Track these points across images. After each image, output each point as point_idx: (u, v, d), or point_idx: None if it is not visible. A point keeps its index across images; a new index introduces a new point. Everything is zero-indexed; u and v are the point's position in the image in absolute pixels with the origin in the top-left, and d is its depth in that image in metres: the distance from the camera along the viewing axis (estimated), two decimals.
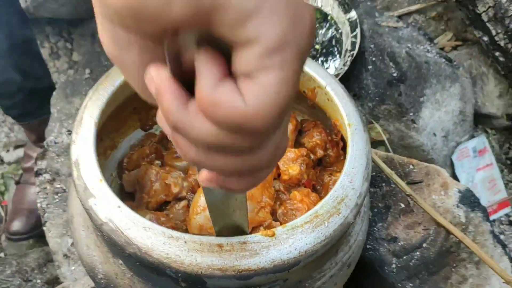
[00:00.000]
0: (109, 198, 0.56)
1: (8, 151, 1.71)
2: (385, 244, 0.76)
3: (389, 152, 0.93)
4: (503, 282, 0.73)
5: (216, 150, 0.27)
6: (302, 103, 0.78)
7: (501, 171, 1.25)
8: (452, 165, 1.15)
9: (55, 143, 1.22)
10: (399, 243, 0.76)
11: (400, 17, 1.34)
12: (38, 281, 1.20)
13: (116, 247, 0.55)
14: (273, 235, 0.54)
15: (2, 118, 1.75)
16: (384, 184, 0.82)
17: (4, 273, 1.19)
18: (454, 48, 1.30)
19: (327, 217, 0.56)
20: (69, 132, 1.26)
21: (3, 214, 1.51)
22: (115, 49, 0.29)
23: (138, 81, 0.30)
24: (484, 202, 1.20)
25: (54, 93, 1.20)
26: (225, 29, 0.24)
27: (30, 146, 1.44)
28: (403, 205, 0.79)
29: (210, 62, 0.25)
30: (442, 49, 1.29)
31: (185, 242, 0.53)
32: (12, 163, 1.67)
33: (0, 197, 1.56)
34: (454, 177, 1.16)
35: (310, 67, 0.69)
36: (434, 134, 1.07)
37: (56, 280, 1.18)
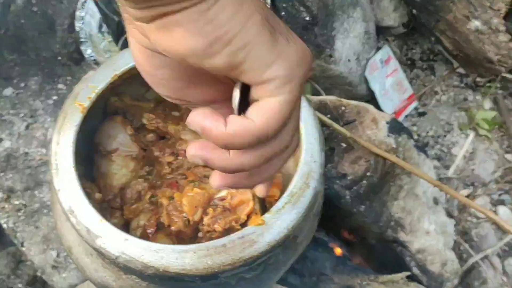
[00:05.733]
0: (115, 235, 0.62)
1: None
2: (338, 181, 0.91)
3: (320, 92, 1.04)
4: (428, 186, 0.91)
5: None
6: None
7: (404, 71, 1.42)
8: (366, 80, 1.29)
9: None
10: (348, 178, 0.90)
11: None
12: (19, 285, 1.24)
13: (134, 271, 0.63)
14: (263, 223, 0.64)
15: None
16: (324, 128, 0.94)
17: None
18: None
19: (301, 192, 0.67)
20: None
21: None
22: (150, 66, 0.38)
23: (168, 90, 0.40)
24: (396, 103, 1.39)
25: None
26: (250, 75, 0.33)
27: None
28: (344, 145, 0.92)
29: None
30: None
31: (194, 252, 0.62)
32: None
33: None
34: (369, 90, 1.31)
35: None
36: (349, 60, 1.19)
37: (35, 279, 1.22)
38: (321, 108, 0.96)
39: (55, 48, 1.27)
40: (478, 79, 1.34)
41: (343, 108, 0.95)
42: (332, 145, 0.93)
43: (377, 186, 0.92)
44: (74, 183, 0.63)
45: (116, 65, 0.72)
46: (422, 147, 0.99)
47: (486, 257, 1.26)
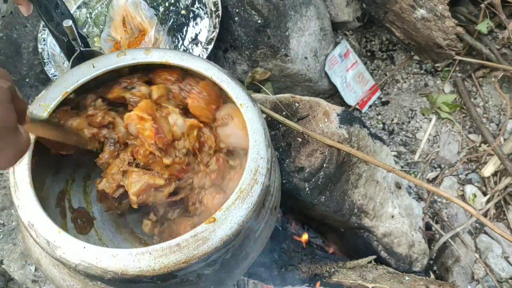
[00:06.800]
0: (73, 244, 0.65)
1: None
2: (296, 175, 0.94)
3: (272, 93, 1.08)
4: (387, 172, 0.94)
5: None
6: None
7: (365, 63, 1.46)
8: (327, 75, 1.33)
9: None
10: (306, 170, 0.94)
11: None
12: None
13: (95, 276, 0.66)
14: (214, 220, 0.68)
15: None
16: (280, 125, 0.98)
17: None
18: None
19: (250, 188, 0.71)
20: None
21: None
22: None
23: None
24: (359, 94, 1.42)
25: None
26: None
27: None
28: (300, 139, 0.95)
29: None
30: None
31: (150, 253, 0.65)
32: None
33: None
34: (331, 84, 1.35)
35: (194, 64, 0.78)
36: (306, 58, 1.23)
37: None
38: (276, 106, 0.99)
39: (23, 71, 1.29)
40: (437, 64, 1.37)
41: (296, 104, 0.98)
42: (289, 140, 0.96)
43: (335, 176, 0.96)
44: (32, 198, 0.67)
45: (66, 83, 0.75)
46: (376, 135, 1.03)
47: (457, 235, 1.29)
